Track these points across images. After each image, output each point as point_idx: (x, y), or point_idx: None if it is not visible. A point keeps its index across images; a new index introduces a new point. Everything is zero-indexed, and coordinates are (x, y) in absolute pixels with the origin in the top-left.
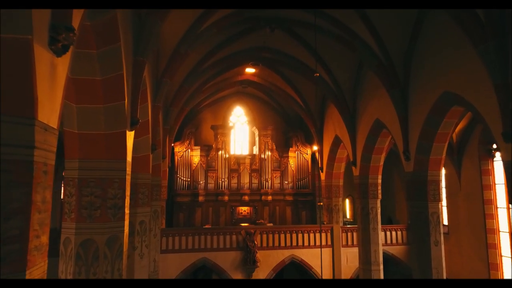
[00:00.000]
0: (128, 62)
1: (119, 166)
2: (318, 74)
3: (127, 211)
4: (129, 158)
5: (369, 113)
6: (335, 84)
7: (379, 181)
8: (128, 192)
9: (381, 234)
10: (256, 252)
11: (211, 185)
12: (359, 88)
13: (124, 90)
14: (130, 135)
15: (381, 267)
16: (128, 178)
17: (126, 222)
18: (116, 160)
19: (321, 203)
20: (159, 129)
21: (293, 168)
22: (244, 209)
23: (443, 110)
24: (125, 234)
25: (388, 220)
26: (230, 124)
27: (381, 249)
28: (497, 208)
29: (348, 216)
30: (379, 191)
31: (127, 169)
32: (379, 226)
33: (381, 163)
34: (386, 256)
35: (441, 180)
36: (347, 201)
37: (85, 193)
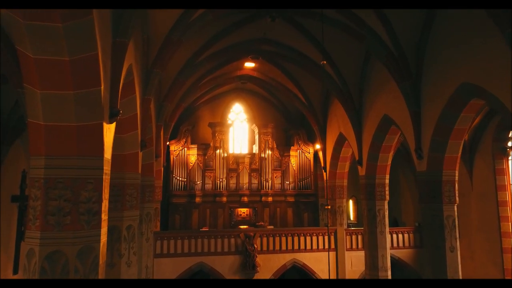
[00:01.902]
0: (106, 43)
1: (94, 164)
2: (325, 62)
3: (104, 217)
4: (107, 155)
5: (376, 108)
6: (339, 78)
7: (387, 181)
8: (106, 195)
9: (388, 238)
10: (256, 256)
11: (208, 186)
12: (366, 82)
13: (100, 75)
14: (109, 129)
15: (389, 273)
16: (106, 178)
17: (103, 230)
18: (91, 157)
19: (329, 206)
20: (151, 125)
21: (294, 168)
22: (243, 211)
23: (461, 104)
24: (101, 243)
25: (393, 222)
26: (229, 122)
27: (388, 253)
28: None
29: (351, 218)
30: (387, 192)
31: (105, 168)
32: (387, 229)
33: (389, 162)
34: (393, 260)
35: (457, 181)
36: (350, 202)
37: (52, 196)
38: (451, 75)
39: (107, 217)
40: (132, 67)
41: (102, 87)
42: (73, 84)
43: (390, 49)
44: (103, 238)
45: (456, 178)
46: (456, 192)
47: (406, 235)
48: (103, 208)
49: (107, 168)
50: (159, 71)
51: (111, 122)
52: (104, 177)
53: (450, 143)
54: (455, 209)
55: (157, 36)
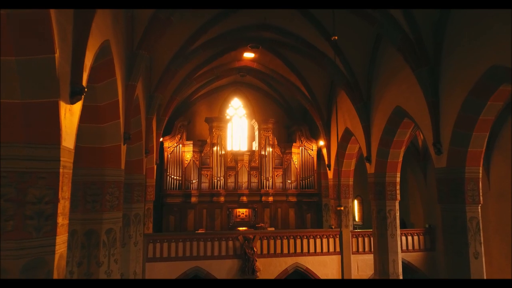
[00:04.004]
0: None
1: (47, 154)
2: (336, 38)
3: (62, 221)
4: (67, 143)
5: (387, 100)
6: (346, 67)
7: (398, 179)
8: (66, 194)
9: (399, 241)
10: (256, 260)
11: (205, 185)
12: (375, 72)
13: (53, 38)
14: (70, 110)
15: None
16: (66, 172)
17: (61, 238)
18: (43, 145)
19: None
20: (139, 117)
21: (296, 166)
22: (242, 212)
23: (488, 90)
24: (57, 255)
25: (401, 223)
26: (227, 117)
27: (400, 258)
28: None
29: (357, 219)
30: (398, 192)
31: (63, 159)
32: (398, 231)
33: (400, 159)
34: (402, 264)
35: (481, 178)
36: (355, 202)
37: None
38: (478, 57)
39: (67, 222)
40: (110, 44)
41: (57, 54)
42: (13, 47)
43: (405, 31)
44: (60, 248)
45: (480, 175)
46: (480, 191)
47: (415, 237)
48: (60, 210)
49: (67, 159)
50: (146, 54)
51: (73, 102)
52: (61, 170)
53: (474, 135)
54: (479, 210)
55: (142, 13)
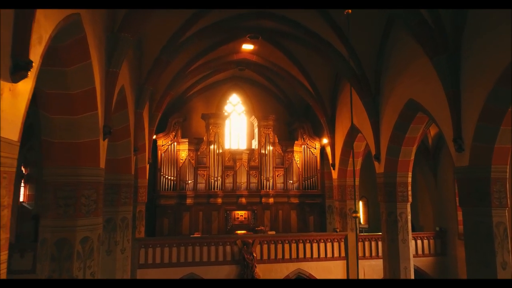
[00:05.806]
0: None
1: None
2: (350, 11)
3: (4, 235)
4: (7, 134)
5: (398, 93)
6: (353, 58)
7: (409, 179)
8: (4, 200)
9: (412, 247)
10: (255, 267)
11: (201, 185)
12: (385, 62)
13: None
14: (13, 91)
15: None
16: (6, 171)
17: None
18: None
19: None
20: (126, 111)
21: (298, 165)
22: (240, 214)
23: None
24: None
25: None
26: (225, 114)
27: (412, 265)
28: None
29: (362, 221)
30: (409, 193)
31: (3, 153)
32: (410, 236)
33: (412, 157)
34: None
35: (508, 178)
36: (360, 204)
37: None
38: (507, 42)
39: (7, 235)
40: (81, 19)
41: None
42: None
43: (422, 14)
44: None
45: (508, 175)
46: (508, 192)
47: (425, 241)
48: None
49: (7, 154)
50: (130, 37)
51: (15, 80)
52: (0, 169)
53: (501, 130)
54: (507, 214)
55: None
